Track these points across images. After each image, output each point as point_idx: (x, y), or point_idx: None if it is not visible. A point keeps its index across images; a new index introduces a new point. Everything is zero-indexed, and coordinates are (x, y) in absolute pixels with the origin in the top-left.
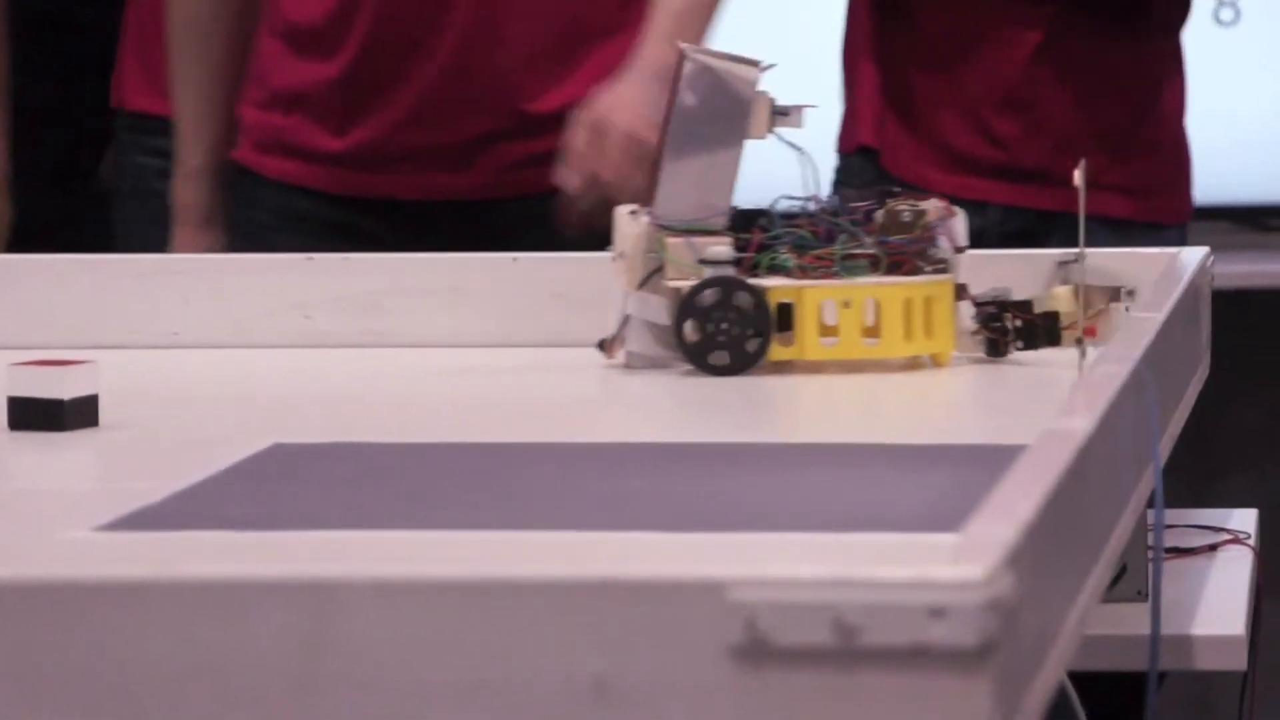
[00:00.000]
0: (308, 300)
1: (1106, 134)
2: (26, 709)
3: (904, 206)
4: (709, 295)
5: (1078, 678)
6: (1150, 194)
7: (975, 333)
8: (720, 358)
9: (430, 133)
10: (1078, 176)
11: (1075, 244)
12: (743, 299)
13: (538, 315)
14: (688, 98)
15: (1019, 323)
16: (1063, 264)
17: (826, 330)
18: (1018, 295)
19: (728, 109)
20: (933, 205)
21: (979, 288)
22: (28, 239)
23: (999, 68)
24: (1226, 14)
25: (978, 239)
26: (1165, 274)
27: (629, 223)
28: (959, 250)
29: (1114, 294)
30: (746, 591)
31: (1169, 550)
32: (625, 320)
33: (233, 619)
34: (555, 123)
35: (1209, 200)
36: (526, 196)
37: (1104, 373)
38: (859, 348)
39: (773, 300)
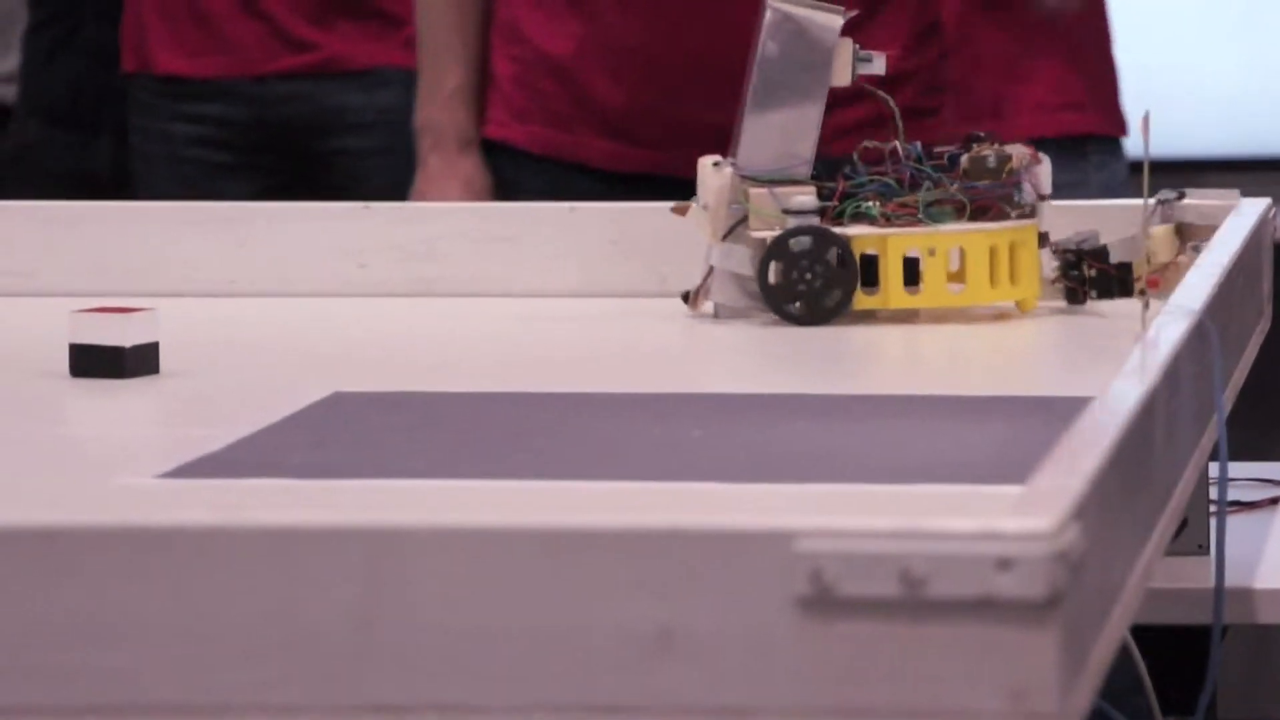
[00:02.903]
0: (363, 248)
1: (1045, 55)
2: (88, 655)
3: (988, 152)
4: (795, 244)
5: (1136, 631)
6: (1098, 106)
7: (1055, 281)
8: (802, 307)
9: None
10: (1143, 123)
11: (1060, 177)
12: (828, 248)
13: (593, 264)
14: (770, 47)
15: (1094, 271)
16: (1163, 203)
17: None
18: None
19: (810, 57)
20: (1017, 150)
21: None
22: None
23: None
24: None
25: None
26: (1227, 225)
27: (713, 174)
28: (1043, 197)
29: (1207, 234)
30: (813, 542)
31: (1230, 504)
32: (709, 271)
33: (294, 567)
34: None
35: (1267, 151)
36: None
37: (1166, 324)
38: (944, 295)
39: (857, 249)
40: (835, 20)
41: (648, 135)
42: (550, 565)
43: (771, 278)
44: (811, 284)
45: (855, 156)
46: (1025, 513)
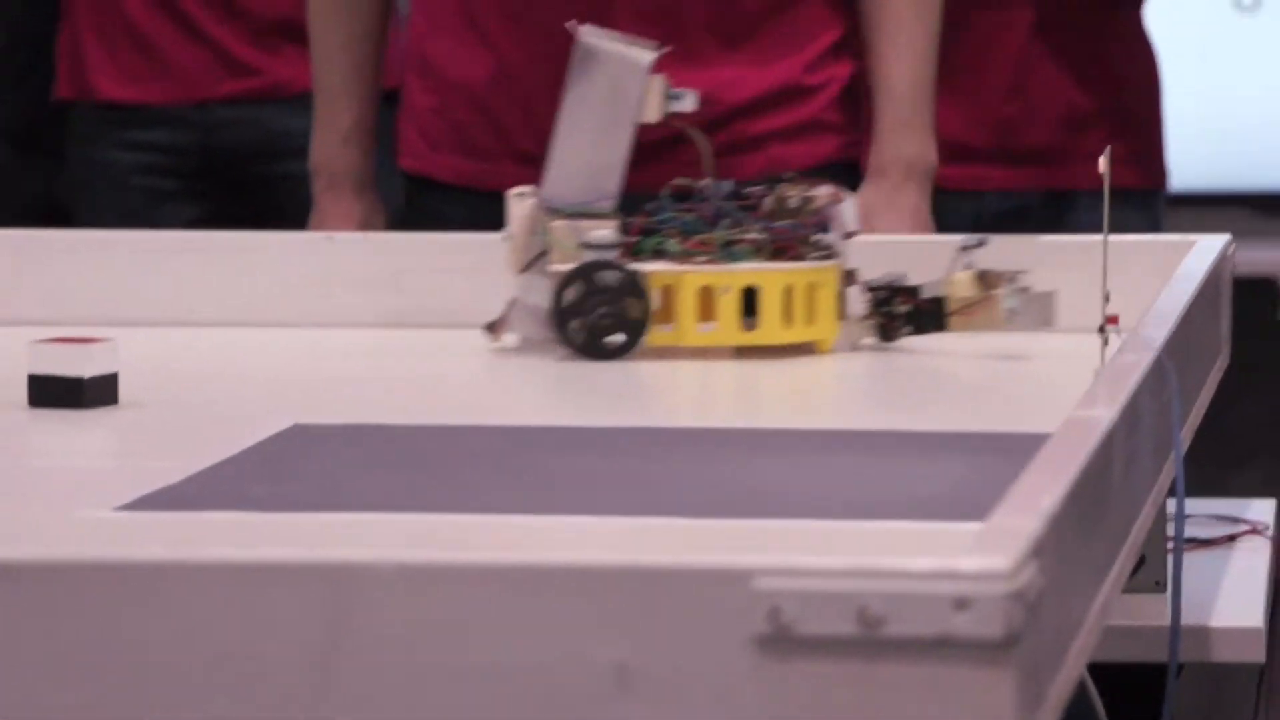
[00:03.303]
0: (327, 278)
1: (1104, 106)
2: (46, 690)
3: (793, 192)
4: (588, 278)
5: (1093, 668)
6: (1144, 161)
7: (867, 317)
8: (595, 341)
9: None
10: (1103, 163)
11: (1090, 219)
12: (617, 284)
13: None
14: (579, 80)
15: (906, 307)
16: (965, 249)
17: (707, 315)
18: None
19: (619, 92)
20: (822, 191)
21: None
22: None
23: (998, 53)
24: (1247, 0)
25: (974, 225)
26: (1187, 262)
27: (516, 204)
28: (848, 235)
29: (1011, 279)
30: (771, 580)
31: (1187, 541)
32: (512, 303)
33: (253, 601)
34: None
35: (1229, 187)
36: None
37: (1126, 362)
38: (737, 333)
39: (652, 285)
40: (645, 56)
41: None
42: (510, 601)
43: (564, 310)
44: (604, 318)
45: (665, 192)
46: (983, 552)
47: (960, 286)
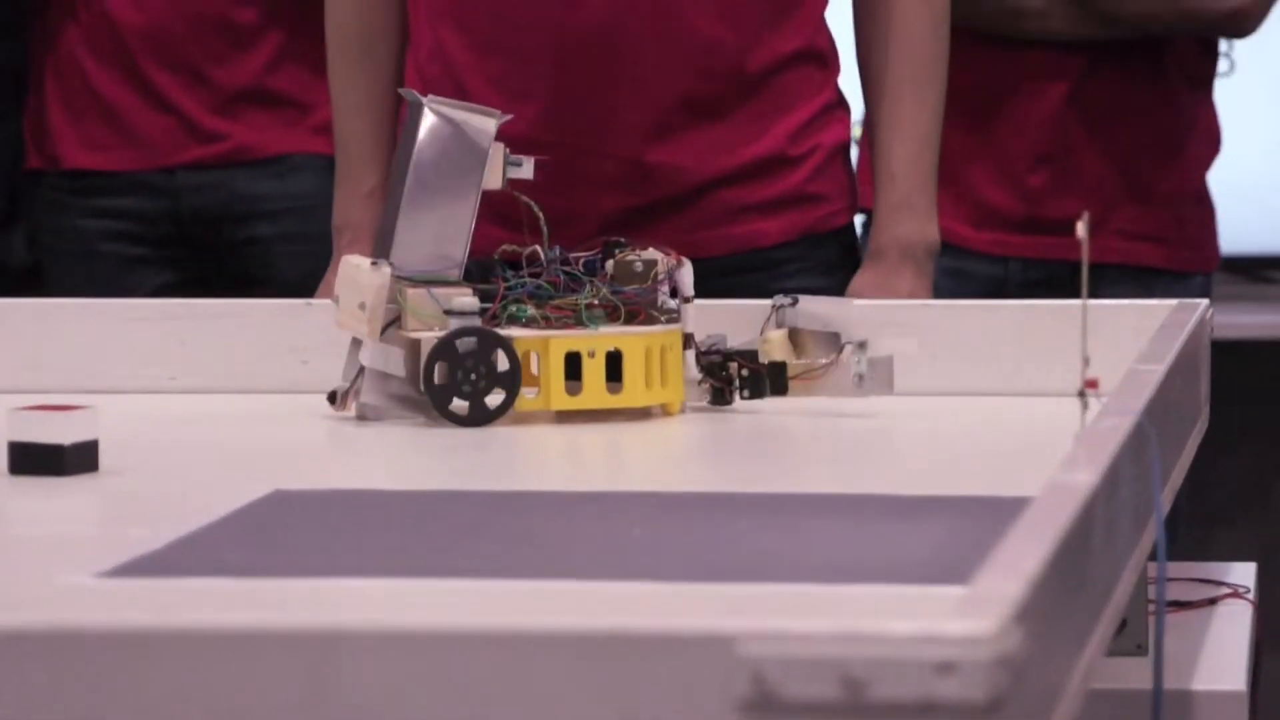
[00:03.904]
0: (304, 345)
1: (1137, 183)
2: None
3: (633, 257)
4: (461, 345)
5: None
6: (1179, 242)
7: (701, 381)
8: (466, 408)
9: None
10: (1080, 229)
11: (1112, 292)
12: (494, 349)
13: None
14: (426, 148)
15: (745, 372)
16: (778, 308)
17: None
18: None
19: (464, 159)
20: (660, 256)
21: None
22: None
23: (1030, 120)
24: (1221, 65)
25: (998, 289)
26: (1166, 326)
27: (371, 273)
28: (686, 300)
29: (833, 341)
30: (754, 645)
31: (1169, 604)
32: (360, 372)
33: (234, 668)
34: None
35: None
36: None
37: (1107, 426)
38: (603, 397)
39: (518, 350)
40: (490, 123)
41: (531, 221)
42: (491, 668)
43: (436, 378)
44: (476, 384)
45: (497, 258)
46: (966, 616)
47: (774, 345)
